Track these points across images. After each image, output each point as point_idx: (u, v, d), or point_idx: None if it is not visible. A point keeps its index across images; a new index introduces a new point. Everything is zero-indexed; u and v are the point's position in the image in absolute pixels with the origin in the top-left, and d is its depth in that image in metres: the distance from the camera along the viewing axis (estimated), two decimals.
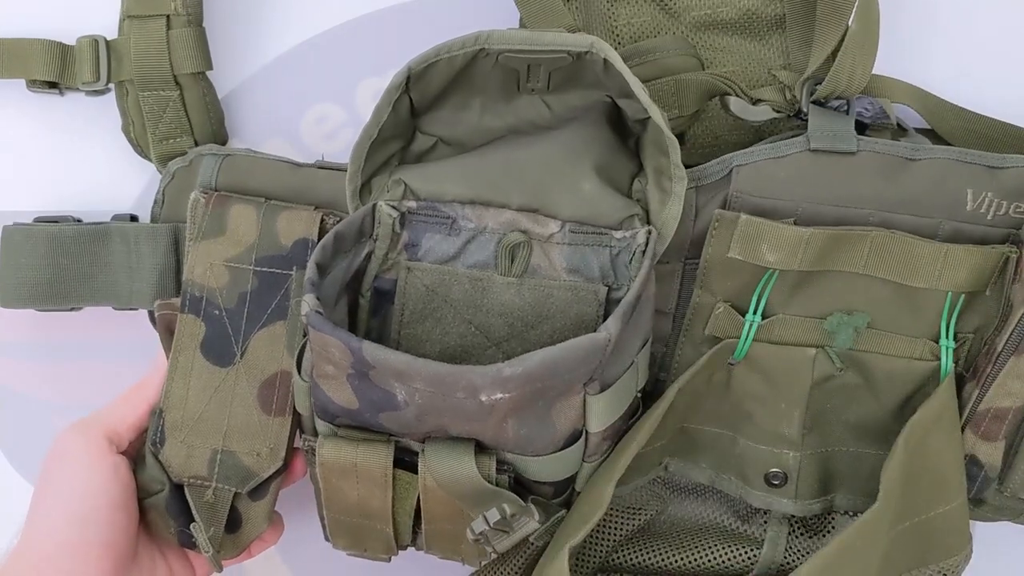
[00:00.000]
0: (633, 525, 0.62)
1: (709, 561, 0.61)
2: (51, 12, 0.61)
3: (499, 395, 0.45)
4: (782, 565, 0.60)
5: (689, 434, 0.59)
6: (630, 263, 0.52)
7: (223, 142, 0.62)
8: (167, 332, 0.57)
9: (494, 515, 0.49)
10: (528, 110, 0.54)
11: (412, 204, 0.53)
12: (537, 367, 0.45)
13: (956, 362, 0.56)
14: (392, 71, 0.50)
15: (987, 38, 0.61)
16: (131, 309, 0.61)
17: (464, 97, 0.53)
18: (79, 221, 0.61)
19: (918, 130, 0.58)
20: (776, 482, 0.57)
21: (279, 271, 0.57)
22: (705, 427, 0.58)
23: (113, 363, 0.62)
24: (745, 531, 0.61)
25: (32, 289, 0.60)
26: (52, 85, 0.60)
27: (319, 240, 0.55)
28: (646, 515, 0.62)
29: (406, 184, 0.53)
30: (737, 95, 0.56)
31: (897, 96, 0.58)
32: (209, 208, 0.57)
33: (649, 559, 0.61)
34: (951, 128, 0.59)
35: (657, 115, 0.49)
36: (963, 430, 0.55)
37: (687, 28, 0.59)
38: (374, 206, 0.53)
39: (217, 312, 0.56)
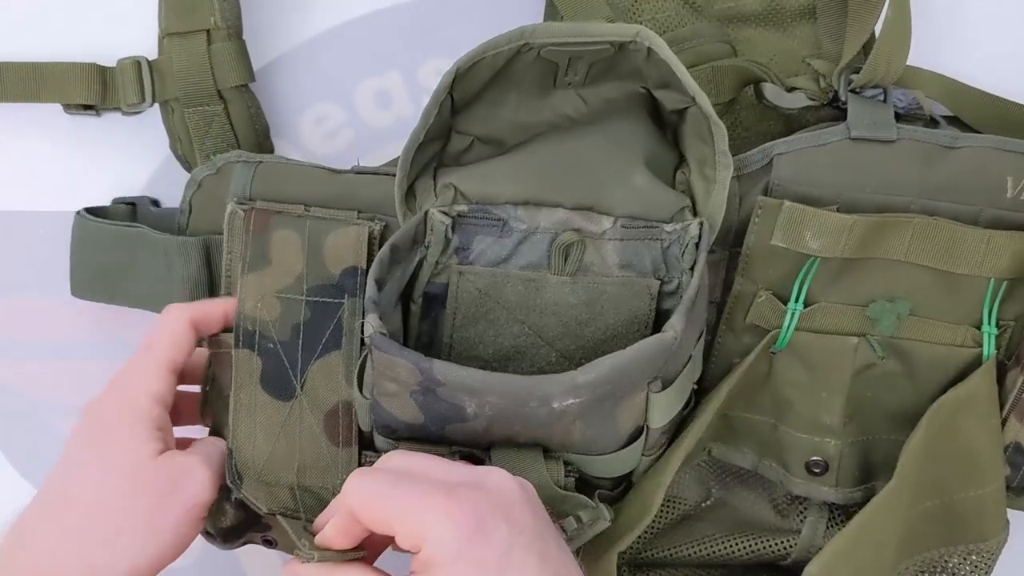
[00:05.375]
0: (670, 518, 0.62)
1: (744, 551, 0.61)
2: (80, 34, 0.60)
3: (571, 401, 0.45)
4: (820, 549, 0.60)
5: (730, 421, 0.59)
6: (682, 255, 0.52)
7: (270, 153, 0.61)
8: (224, 371, 0.55)
9: (571, 524, 0.49)
10: (563, 104, 0.53)
11: (463, 208, 0.52)
12: (609, 371, 0.45)
13: (998, 349, 0.56)
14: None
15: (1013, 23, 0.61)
16: None
17: (500, 93, 0.52)
18: (157, 203, 0.61)
19: (945, 118, 0.58)
20: (817, 470, 0.57)
21: (331, 300, 0.54)
22: (746, 415, 0.58)
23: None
24: (783, 525, 0.61)
25: (92, 283, 0.60)
26: (87, 107, 0.60)
27: (368, 263, 0.54)
28: (686, 505, 0.62)
29: (456, 188, 0.52)
30: (772, 82, 0.56)
31: (926, 86, 0.58)
32: (250, 229, 0.54)
33: (682, 553, 0.61)
34: (982, 117, 0.59)
35: (705, 101, 0.49)
36: (1007, 417, 0.55)
37: (711, 22, 0.59)
38: (426, 213, 0.52)
39: (272, 345, 0.54)
